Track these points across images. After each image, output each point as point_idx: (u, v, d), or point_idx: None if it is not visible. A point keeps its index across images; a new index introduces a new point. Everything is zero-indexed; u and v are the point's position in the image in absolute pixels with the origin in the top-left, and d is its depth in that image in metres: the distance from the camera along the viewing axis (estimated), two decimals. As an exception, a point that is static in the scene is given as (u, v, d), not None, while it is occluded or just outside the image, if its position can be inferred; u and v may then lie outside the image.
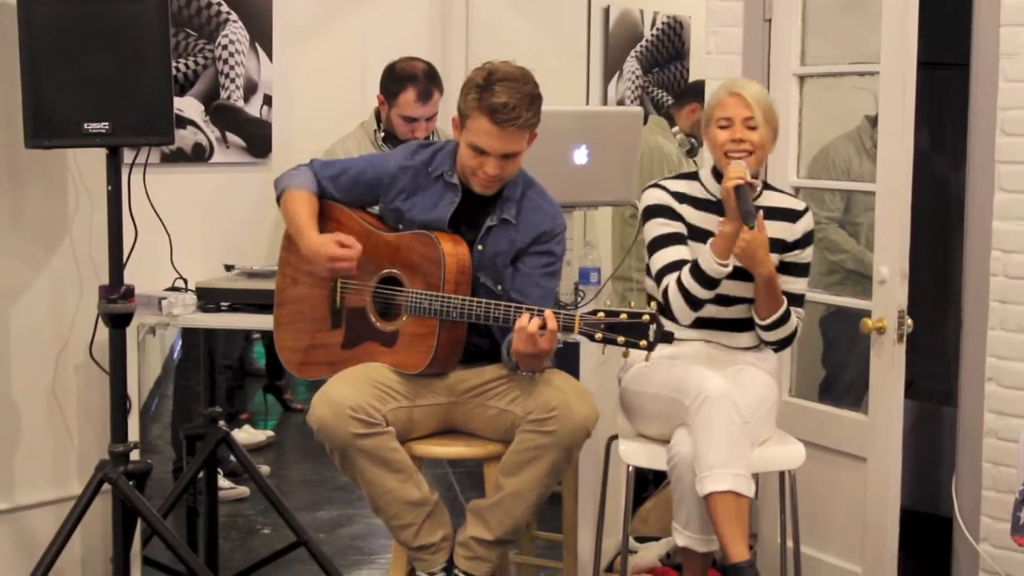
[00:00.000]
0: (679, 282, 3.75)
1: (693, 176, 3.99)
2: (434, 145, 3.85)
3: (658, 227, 3.87)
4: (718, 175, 3.85)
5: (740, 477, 3.54)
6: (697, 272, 3.72)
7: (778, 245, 3.86)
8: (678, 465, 3.65)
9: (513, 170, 3.69)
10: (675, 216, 3.87)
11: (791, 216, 3.90)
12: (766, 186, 3.98)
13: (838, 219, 5.01)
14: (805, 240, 3.90)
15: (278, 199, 3.91)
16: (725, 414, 3.59)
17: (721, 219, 3.76)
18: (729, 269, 3.70)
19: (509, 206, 3.75)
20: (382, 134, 4.93)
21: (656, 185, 3.93)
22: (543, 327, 3.44)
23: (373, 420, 3.56)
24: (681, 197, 3.90)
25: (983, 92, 4.15)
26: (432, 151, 3.82)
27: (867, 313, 4.11)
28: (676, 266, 3.79)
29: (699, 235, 3.84)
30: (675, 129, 5.86)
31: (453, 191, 3.75)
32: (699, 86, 5.14)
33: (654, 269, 3.86)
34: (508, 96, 3.55)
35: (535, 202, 3.80)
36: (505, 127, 3.56)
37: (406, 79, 4.88)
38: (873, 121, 4.66)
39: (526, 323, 3.46)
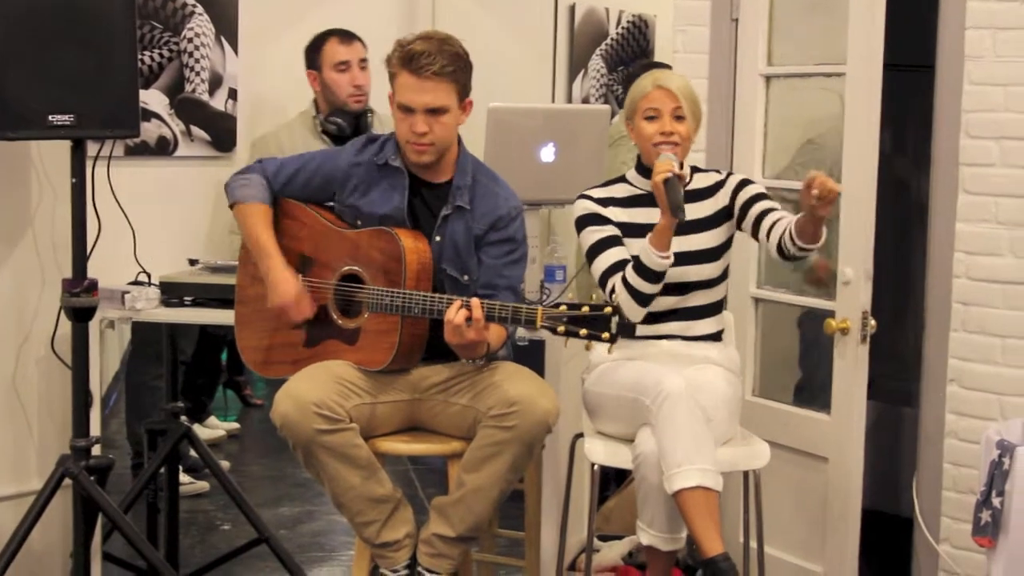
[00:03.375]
0: (624, 281, 3.76)
1: (619, 179, 4.01)
2: (381, 137, 3.86)
3: (591, 235, 3.90)
4: (643, 169, 3.88)
5: (707, 472, 3.55)
6: (640, 268, 3.74)
7: (722, 215, 3.91)
8: (642, 464, 3.65)
9: (444, 134, 3.69)
10: (604, 220, 3.90)
11: (716, 188, 3.94)
12: (694, 169, 4.00)
13: None
14: (738, 188, 3.91)
15: (231, 206, 3.90)
16: (686, 410, 3.60)
17: (650, 210, 3.80)
18: (671, 261, 3.71)
19: (462, 193, 3.76)
20: (320, 117, 4.98)
21: (581, 196, 3.96)
22: (470, 318, 3.47)
23: (337, 416, 3.56)
24: (606, 201, 3.93)
25: (948, 95, 4.18)
26: (380, 143, 3.83)
27: (831, 314, 4.13)
28: (618, 267, 3.81)
29: (631, 231, 3.86)
30: None
31: (400, 176, 3.76)
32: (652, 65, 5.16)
33: (596, 275, 3.88)
34: (424, 46, 3.61)
35: (487, 187, 3.81)
36: (421, 75, 3.60)
37: (323, 35, 5.06)
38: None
39: (452, 315, 3.48)
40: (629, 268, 3.76)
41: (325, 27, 5.27)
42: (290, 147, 4.68)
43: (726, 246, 3.94)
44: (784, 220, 3.75)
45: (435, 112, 3.65)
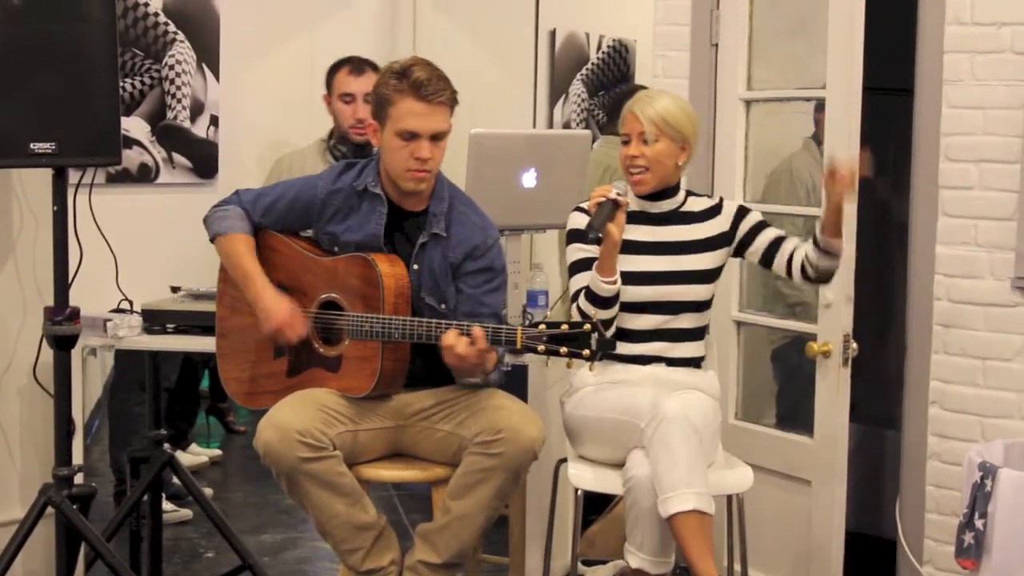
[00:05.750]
0: (578, 308, 3.77)
1: None
2: (358, 164, 3.86)
3: (575, 252, 3.89)
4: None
5: (702, 495, 3.55)
6: (589, 294, 3.73)
7: (720, 240, 3.90)
8: (635, 487, 3.63)
9: (441, 158, 3.71)
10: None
11: (713, 212, 3.93)
12: (688, 193, 3.98)
13: None
14: (738, 216, 3.91)
15: (212, 239, 3.89)
16: (682, 434, 3.59)
17: (637, 227, 3.82)
18: (616, 286, 3.70)
19: (438, 220, 3.76)
20: (331, 142, 4.96)
21: (577, 208, 3.94)
22: (471, 343, 3.47)
23: (320, 444, 3.55)
24: None
25: (927, 118, 4.20)
26: (358, 169, 3.83)
27: (813, 337, 4.14)
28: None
29: (624, 247, 3.81)
30: None
31: (379, 203, 3.76)
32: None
33: (571, 293, 3.87)
34: (428, 73, 3.63)
35: (463, 214, 3.81)
36: (431, 101, 3.62)
37: (339, 63, 5.01)
38: (815, 139, 4.72)
39: (452, 340, 3.47)
40: (582, 295, 3.76)
41: (307, 54, 5.30)
42: (299, 170, 4.67)
43: (719, 271, 3.93)
44: (801, 245, 3.80)
45: (437, 137, 3.67)
